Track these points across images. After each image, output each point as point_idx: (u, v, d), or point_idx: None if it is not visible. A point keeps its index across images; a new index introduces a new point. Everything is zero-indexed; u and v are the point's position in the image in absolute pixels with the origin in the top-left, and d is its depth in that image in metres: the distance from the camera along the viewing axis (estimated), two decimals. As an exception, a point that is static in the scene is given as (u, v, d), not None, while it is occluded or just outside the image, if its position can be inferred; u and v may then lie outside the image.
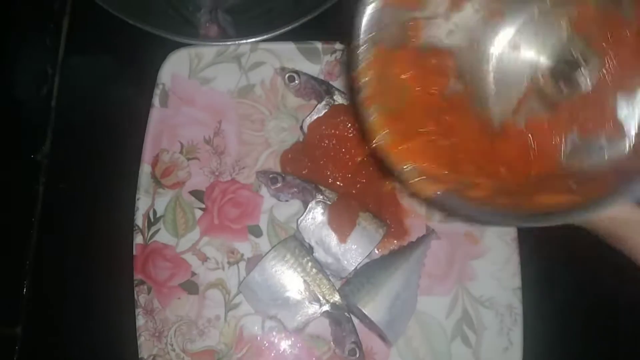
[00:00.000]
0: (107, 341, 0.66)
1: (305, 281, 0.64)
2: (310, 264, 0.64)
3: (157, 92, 0.70)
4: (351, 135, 0.68)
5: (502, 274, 0.68)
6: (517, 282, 0.67)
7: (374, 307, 0.62)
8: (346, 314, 0.64)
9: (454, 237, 0.69)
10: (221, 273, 0.67)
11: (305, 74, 0.71)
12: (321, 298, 0.64)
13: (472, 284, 0.68)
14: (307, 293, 0.63)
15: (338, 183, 0.69)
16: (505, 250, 0.68)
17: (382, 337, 0.64)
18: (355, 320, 0.65)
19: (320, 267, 0.65)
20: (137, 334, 0.63)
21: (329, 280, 0.64)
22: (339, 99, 0.70)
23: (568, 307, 0.69)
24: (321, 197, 0.66)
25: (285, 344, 0.66)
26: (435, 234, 0.69)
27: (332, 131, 0.68)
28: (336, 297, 0.64)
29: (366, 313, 0.63)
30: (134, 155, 0.69)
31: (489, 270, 0.68)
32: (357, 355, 0.62)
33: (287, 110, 0.73)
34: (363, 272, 0.66)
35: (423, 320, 0.66)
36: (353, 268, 0.65)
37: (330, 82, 0.72)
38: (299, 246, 0.65)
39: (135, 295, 0.64)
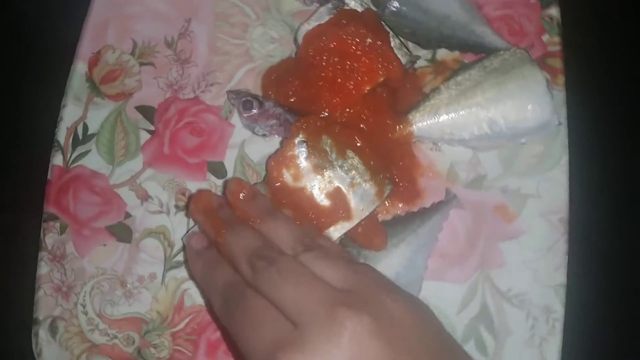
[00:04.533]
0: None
1: None
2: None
3: (106, -35, 0.52)
4: (360, 52, 0.50)
5: (541, 265, 0.50)
6: (560, 277, 0.49)
7: None
8: None
9: (481, 209, 0.52)
10: (165, 219, 0.50)
11: (309, -34, 0.53)
12: None
13: (498, 272, 0.50)
14: None
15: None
16: (548, 233, 0.50)
17: None
18: None
19: None
20: (36, 286, 0.46)
21: None
22: (351, 3, 0.51)
23: (625, 317, 0.51)
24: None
25: (239, 322, 0.49)
26: (456, 200, 0.51)
27: (335, 44, 0.50)
28: None
29: None
30: (68, 49, 0.51)
31: (524, 257, 0.50)
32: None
33: (280, 16, 0.55)
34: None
35: (427, 313, 0.49)
36: (339, 235, 0.47)
37: (342, -17, 0.53)
38: (267, 194, 0.47)
39: (42, 234, 0.47)
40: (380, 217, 0.51)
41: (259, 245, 0.39)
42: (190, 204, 0.45)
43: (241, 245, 0.39)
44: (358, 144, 0.49)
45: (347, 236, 0.48)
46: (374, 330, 0.33)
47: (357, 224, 0.48)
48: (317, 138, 0.48)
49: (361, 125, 0.51)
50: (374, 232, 0.49)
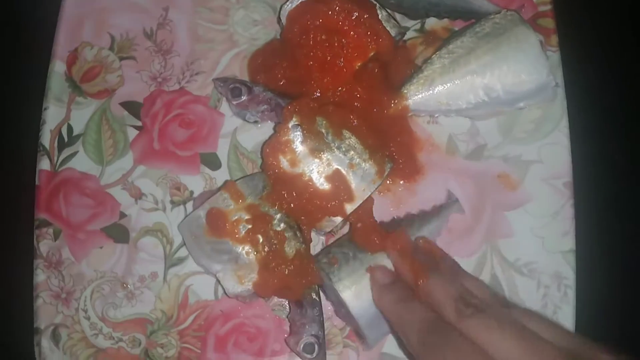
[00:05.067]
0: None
1: (267, 237, 0.45)
2: (279, 214, 0.45)
3: (77, -42, 0.50)
4: (347, 27, 0.48)
5: (549, 232, 0.49)
6: (569, 243, 0.49)
7: (357, 293, 0.44)
8: (313, 294, 0.46)
9: (483, 179, 0.51)
10: (161, 215, 0.49)
11: (286, -59, 0.50)
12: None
13: (505, 242, 0.49)
14: (265, 253, 0.45)
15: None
16: (554, 199, 0.49)
17: (359, 334, 0.46)
18: (326, 303, 0.47)
19: (293, 219, 0.46)
20: (34, 295, 0.45)
21: (300, 242, 0.46)
22: (332, -22, 0.49)
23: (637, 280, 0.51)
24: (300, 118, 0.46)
25: (247, 314, 0.48)
26: (458, 205, 0.50)
27: (321, 21, 0.48)
28: None
29: (344, 300, 0.44)
30: (45, 49, 0.49)
31: (530, 225, 0.49)
32: (315, 355, 0.44)
33: (261, -3, 0.53)
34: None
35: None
36: (338, 221, 0.46)
37: (323, -43, 0.51)
38: (268, 187, 0.46)
39: (35, 241, 0.46)
40: (381, 195, 0.50)
41: (463, 291, 0.39)
42: (389, 242, 0.45)
43: (446, 290, 0.38)
44: (354, 123, 0.47)
45: (346, 238, 0.47)
46: None
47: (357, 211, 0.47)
48: (311, 120, 0.46)
49: (355, 104, 0.49)
50: (372, 233, 0.47)
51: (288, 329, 0.47)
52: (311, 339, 0.44)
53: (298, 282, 0.45)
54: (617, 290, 0.52)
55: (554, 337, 0.35)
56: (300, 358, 0.45)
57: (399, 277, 0.43)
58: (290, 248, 0.45)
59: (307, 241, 0.46)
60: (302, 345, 0.44)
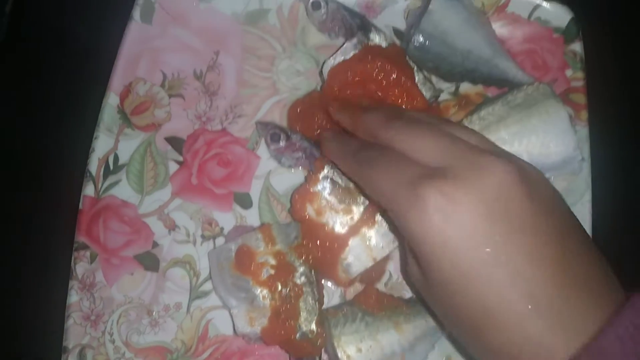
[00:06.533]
0: (27, 321, 0.51)
1: (286, 287, 0.46)
2: (303, 267, 0.47)
3: (140, 1, 0.53)
4: (385, 84, 0.50)
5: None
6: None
7: (355, 353, 0.45)
8: (317, 358, 0.47)
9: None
10: (191, 248, 0.51)
11: (335, 1, 0.54)
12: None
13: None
14: (279, 302, 0.46)
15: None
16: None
17: None
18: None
19: (313, 275, 0.47)
20: (66, 315, 0.47)
21: (315, 299, 0.47)
22: (375, 39, 0.52)
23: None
24: (331, 171, 0.49)
25: (262, 353, 0.49)
26: None
27: (360, 79, 0.51)
28: (312, 326, 0.46)
29: (339, 356, 0.45)
30: (101, 82, 0.53)
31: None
32: None
33: (305, 49, 0.56)
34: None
35: (449, 348, 0.49)
36: (357, 272, 0.48)
37: (368, 18, 0.54)
38: (299, 238, 0.48)
39: (72, 263, 0.48)
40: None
41: (397, 111, 0.44)
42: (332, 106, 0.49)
43: (379, 113, 0.43)
44: None
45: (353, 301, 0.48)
46: (520, 181, 0.34)
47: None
48: (341, 174, 0.48)
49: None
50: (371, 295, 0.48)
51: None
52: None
53: (300, 343, 0.46)
54: None
55: (479, 139, 0.39)
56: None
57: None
58: (304, 304, 0.46)
59: (322, 302, 0.47)
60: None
